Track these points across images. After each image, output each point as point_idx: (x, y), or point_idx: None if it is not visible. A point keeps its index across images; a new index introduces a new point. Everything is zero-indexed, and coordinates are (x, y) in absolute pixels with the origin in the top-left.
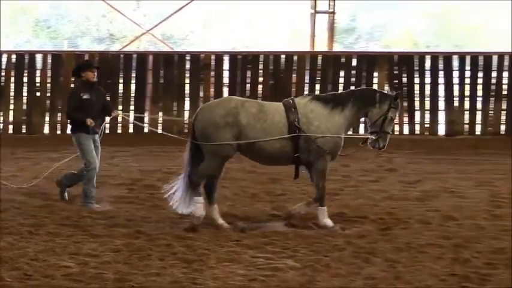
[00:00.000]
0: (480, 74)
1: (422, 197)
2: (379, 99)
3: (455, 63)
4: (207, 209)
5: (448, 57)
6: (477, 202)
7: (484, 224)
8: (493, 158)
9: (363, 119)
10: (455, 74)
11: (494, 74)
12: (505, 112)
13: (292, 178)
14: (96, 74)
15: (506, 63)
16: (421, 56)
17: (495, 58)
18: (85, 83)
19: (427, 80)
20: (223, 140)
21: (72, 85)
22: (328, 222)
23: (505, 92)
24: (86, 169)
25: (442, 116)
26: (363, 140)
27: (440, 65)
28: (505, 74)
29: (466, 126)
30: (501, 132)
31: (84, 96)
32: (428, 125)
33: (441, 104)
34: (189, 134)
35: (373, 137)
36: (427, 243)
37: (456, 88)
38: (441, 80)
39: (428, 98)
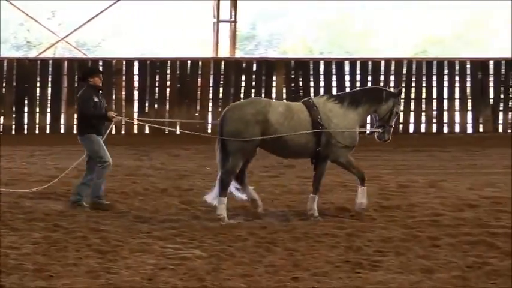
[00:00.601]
0: (369, 78)
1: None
2: (386, 96)
3: (347, 68)
4: (245, 191)
5: (340, 62)
6: (368, 195)
7: (375, 215)
8: (382, 154)
9: None
10: (347, 77)
11: (382, 78)
12: None
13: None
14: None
15: (393, 67)
16: (316, 61)
17: (383, 63)
18: (93, 88)
19: (322, 84)
20: (252, 137)
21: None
22: (365, 201)
23: None
24: (101, 166)
25: None
26: (370, 133)
27: (333, 70)
28: (392, 78)
29: None
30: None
31: (95, 100)
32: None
33: None
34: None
35: (380, 131)
36: (323, 233)
37: (348, 90)
38: (334, 84)
39: None
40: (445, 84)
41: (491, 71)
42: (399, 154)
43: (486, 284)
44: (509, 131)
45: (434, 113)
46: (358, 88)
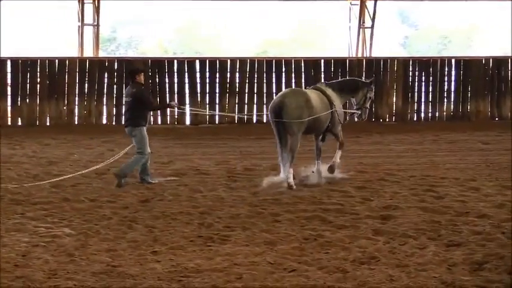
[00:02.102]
0: (217, 75)
1: (174, 174)
2: (361, 85)
3: (198, 66)
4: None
5: (191, 61)
6: (217, 178)
7: (224, 195)
8: (229, 142)
9: None
10: (198, 75)
11: (228, 75)
12: (237, 105)
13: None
14: None
15: (237, 66)
16: (170, 60)
17: (229, 62)
18: (139, 84)
19: (175, 80)
20: (304, 116)
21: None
22: (338, 159)
23: (237, 90)
24: (141, 156)
25: (188, 109)
26: (350, 113)
27: (185, 68)
28: (237, 75)
29: (207, 117)
30: (235, 121)
31: None
32: (177, 116)
33: (187, 99)
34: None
35: (358, 112)
36: (179, 212)
37: (198, 86)
38: (186, 80)
39: (176, 95)
40: (283, 80)
41: (323, 68)
42: (244, 141)
43: (320, 253)
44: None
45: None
46: (340, 79)
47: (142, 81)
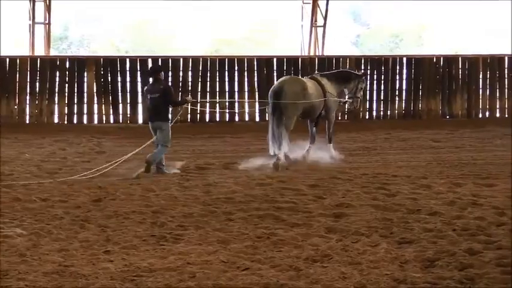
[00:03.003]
0: (170, 74)
1: (127, 174)
2: (354, 77)
3: (150, 65)
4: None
5: (144, 60)
6: (171, 176)
7: (177, 194)
8: (182, 141)
9: None
10: None
11: (181, 74)
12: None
13: None
14: None
15: (190, 64)
16: (122, 59)
17: (181, 61)
18: (162, 81)
19: (128, 79)
20: (301, 104)
21: None
22: (334, 153)
23: (189, 88)
24: (165, 148)
25: (140, 108)
26: (343, 102)
27: (138, 67)
28: (190, 74)
29: None
30: (188, 120)
31: None
32: (129, 115)
33: (139, 98)
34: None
35: (350, 101)
36: (131, 211)
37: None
38: (139, 79)
39: (129, 93)
40: (236, 79)
41: (275, 67)
42: (197, 140)
43: (273, 251)
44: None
45: (227, 103)
46: (335, 70)
47: (162, 78)
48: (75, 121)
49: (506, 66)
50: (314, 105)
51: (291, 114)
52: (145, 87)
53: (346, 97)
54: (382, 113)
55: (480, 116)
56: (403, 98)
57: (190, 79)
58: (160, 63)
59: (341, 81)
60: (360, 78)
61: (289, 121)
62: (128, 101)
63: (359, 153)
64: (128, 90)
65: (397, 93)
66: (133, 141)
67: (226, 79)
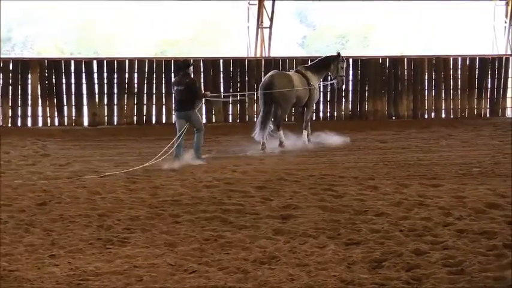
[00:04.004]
0: (115, 76)
1: (72, 177)
2: (332, 59)
3: (95, 67)
4: (278, 132)
5: (89, 62)
6: (116, 179)
7: (123, 197)
8: (128, 143)
9: None
10: (95, 75)
11: (127, 76)
12: (136, 106)
13: None
14: None
15: (136, 66)
16: (67, 61)
17: (127, 62)
18: (190, 75)
19: (73, 81)
20: (291, 95)
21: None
22: (306, 139)
23: (135, 90)
24: (202, 132)
25: (85, 110)
26: (331, 83)
27: (83, 69)
28: (136, 75)
29: (106, 117)
30: (134, 123)
31: None
32: (75, 118)
33: (85, 100)
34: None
35: (335, 81)
36: (77, 214)
37: (96, 87)
38: (84, 81)
39: (74, 95)
40: None
41: (221, 68)
42: (144, 142)
43: (221, 254)
44: (237, 120)
45: (173, 105)
46: (316, 61)
47: (192, 74)
48: (19, 124)
49: (451, 67)
50: (300, 95)
51: (284, 104)
52: (174, 79)
53: (333, 79)
54: (328, 114)
55: (426, 116)
56: (350, 99)
57: (136, 81)
58: (105, 65)
59: (323, 69)
60: (337, 58)
61: (284, 111)
62: (73, 103)
63: (306, 154)
64: (73, 93)
65: (343, 94)
66: (78, 143)
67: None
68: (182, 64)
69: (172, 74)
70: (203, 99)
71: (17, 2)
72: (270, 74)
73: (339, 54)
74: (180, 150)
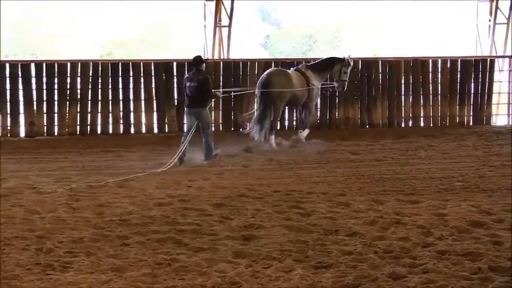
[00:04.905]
0: (56, 80)
1: (7, 194)
2: (336, 61)
3: (33, 70)
4: (270, 136)
5: (26, 65)
6: (57, 197)
7: (65, 216)
8: (71, 156)
9: None
10: (33, 80)
11: (69, 80)
12: (79, 114)
13: None
14: None
15: (79, 69)
16: (1, 64)
17: (69, 65)
18: (201, 71)
19: (7, 86)
20: (286, 93)
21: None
22: (304, 136)
23: (78, 96)
24: (210, 132)
25: (22, 119)
26: (331, 86)
27: (19, 73)
28: (79, 80)
29: (45, 127)
30: (77, 133)
31: None
32: (10, 127)
33: (21, 108)
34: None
35: (336, 85)
36: (13, 236)
37: (34, 93)
38: (20, 86)
39: (9, 103)
40: (131, 85)
41: (175, 72)
42: (88, 155)
43: (175, 280)
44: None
45: (121, 114)
46: (319, 60)
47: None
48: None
49: (430, 70)
50: (297, 94)
51: (278, 102)
52: (186, 75)
53: (334, 81)
54: (294, 123)
55: (403, 125)
56: (318, 106)
57: (79, 86)
58: (45, 69)
59: (325, 69)
60: (342, 62)
61: (278, 111)
62: (8, 112)
63: (270, 168)
64: (8, 100)
65: None
66: (14, 156)
67: (120, 86)
68: (194, 61)
69: (120, 78)
70: (214, 98)
71: None
72: (268, 71)
73: (344, 58)
74: (186, 148)
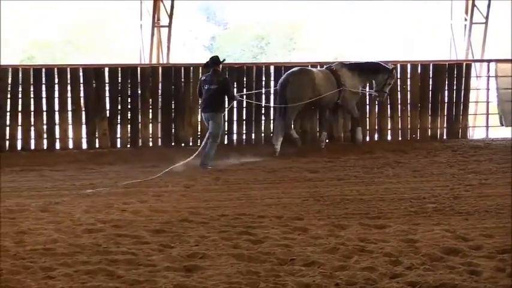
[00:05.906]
0: None
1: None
2: (382, 70)
3: None
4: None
5: None
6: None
7: None
8: None
9: None
10: None
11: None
12: None
13: None
14: None
15: (20, 75)
16: None
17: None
18: (218, 72)
19: None
20: (306, 95)
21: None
22: (360, 137)
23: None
24: (216, 141)
25: None
26: (369, 94)
27: None
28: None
29: None
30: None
31: None
32: None
33: None
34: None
35: (377, 94)
36: None
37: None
38: None
39: None
40: (56, 94)
41: (107, 79)
42: (6, 175)
43: None
44: (128, 146)
45: (45, 127)
46: (363, 61)
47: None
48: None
49: (398, 76)
50: (322, 96)
51: (293, 108)
52: (201, 77)
53: (373, 90)
54: (244, 137)
55: (367, 139)
56: (271, 118)
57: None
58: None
59: (368, 74)
60: (390, 73)
61: (292, 114)
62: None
63: (216, 188)
64: None
65: (263, 112)
66: None
67: (44, 95)
68: (211, 61)
69: (44, 86)
70: (235, 100)
71: None
72: (290, 70)
73: (393, 69)
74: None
